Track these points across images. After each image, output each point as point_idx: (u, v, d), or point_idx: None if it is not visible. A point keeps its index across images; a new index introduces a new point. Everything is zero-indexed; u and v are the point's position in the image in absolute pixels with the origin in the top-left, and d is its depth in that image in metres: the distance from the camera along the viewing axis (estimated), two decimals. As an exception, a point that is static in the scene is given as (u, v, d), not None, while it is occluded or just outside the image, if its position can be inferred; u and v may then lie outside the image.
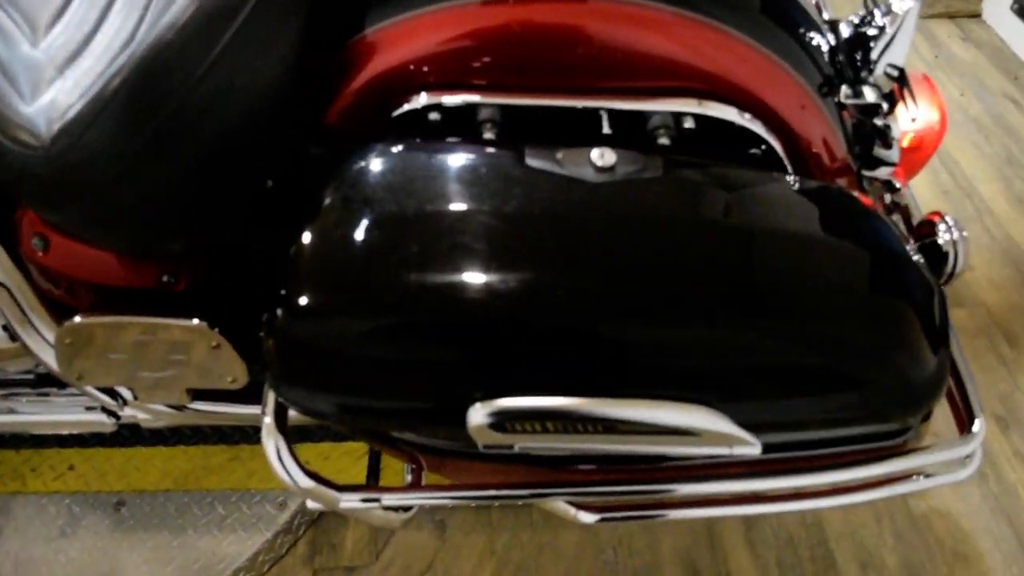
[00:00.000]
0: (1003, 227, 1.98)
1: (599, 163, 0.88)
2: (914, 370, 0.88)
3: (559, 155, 0.90)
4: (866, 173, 1.14)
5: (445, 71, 0.97)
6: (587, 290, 0.83)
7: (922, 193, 2.07)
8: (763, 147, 1.01)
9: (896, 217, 1.17)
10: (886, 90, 1.09)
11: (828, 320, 0.86)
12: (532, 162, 0.89)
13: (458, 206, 0.86)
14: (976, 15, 2.64)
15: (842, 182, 1.12)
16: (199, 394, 1.17)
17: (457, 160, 0.90)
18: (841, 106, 1.07)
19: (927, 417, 1.02)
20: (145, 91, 0.80)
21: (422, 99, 0.97)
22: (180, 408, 1.22)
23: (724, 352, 0.85)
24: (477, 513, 1.48)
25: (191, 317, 1.02)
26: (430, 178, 0.88)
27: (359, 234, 0.84)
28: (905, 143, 1.15)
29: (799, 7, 1.08)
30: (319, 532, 1.47)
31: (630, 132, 0.97)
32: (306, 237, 0.85)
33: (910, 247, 0.96)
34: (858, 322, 0.87)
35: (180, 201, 0.90)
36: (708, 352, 0.84)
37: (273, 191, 0.97)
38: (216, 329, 1.03)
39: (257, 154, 0.94)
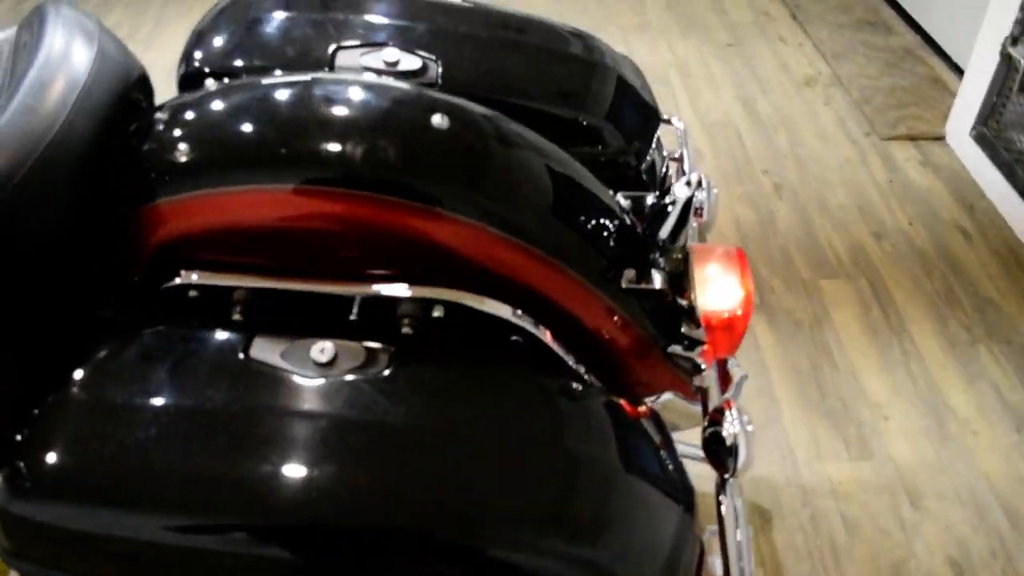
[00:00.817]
0: (930, 375, 1.89)
1: (319, 359, 0.87)
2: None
3: (284, 347, 0.89)
4: (678, 351, 1.11)
5: (217, 251, 0.99)
6: (278, 497, 0.81)
7: (850, 330, 2.00)
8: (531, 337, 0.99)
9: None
10: (680, 267, 1.07)
11: (546, 540, 0.82)
12: (256, 354, 0.89)
13: (168, 399, 0.86)
14: (939, 138, 2.57)
15: (645, 363, 1.09)
16: None
17: (182, 349, 0.90)
18: (636, 291, 1.05)
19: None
20: None
21: (192, 277, 0.98)
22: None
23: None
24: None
25: None
26: (151, 367, 0.88)
27: (62, 420, 0.86)
28: (714, 321, 1.11)
29: (590, 195, 1.06)
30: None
31: (379, 318, 0.96)
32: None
33: (667, 456, 0.93)
34: (586, 538, 0.84)
35: None
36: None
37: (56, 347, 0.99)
38: None
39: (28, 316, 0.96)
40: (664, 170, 1.41)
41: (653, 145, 1.32)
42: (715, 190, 1.26)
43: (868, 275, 2.15)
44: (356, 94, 0.99)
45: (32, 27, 1.05)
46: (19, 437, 0.88)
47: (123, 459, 0.83)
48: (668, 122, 1.47)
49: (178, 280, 0.98)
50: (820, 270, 2.17)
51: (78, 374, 0.90)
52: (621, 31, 3.23)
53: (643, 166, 1.28)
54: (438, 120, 0.95)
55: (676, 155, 1.43)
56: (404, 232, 0.95)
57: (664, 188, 1.28)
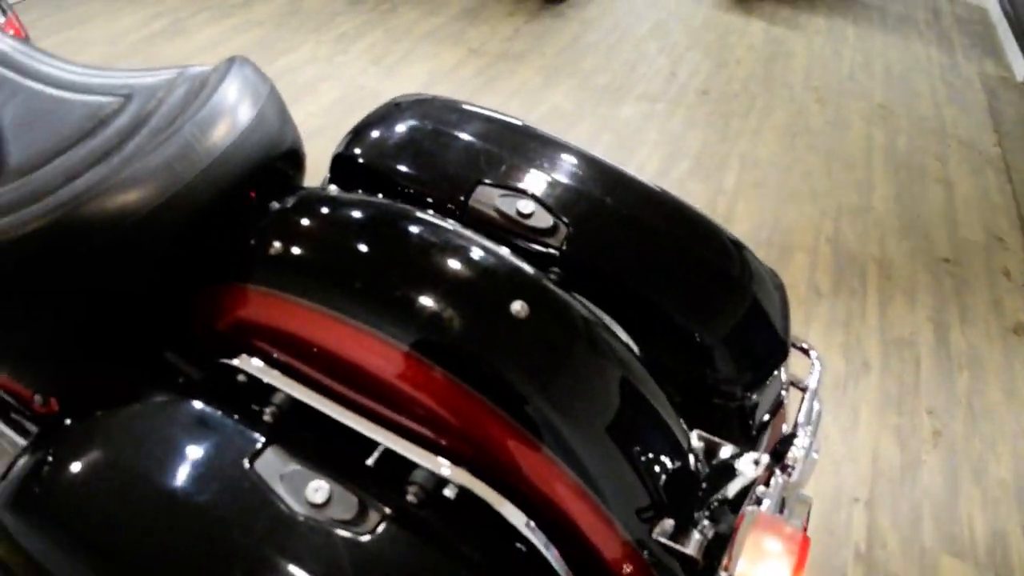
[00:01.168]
0: None
1: (312, 497, 0.86)
2: None
3: (288, 470, 0.88)
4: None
5: (280, 349, 1.01)
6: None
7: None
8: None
9: None
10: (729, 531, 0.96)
11: None
12: (260, 467, 0.88)
13: (164, 478, 0.87)
14: None
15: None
16: None
17: (202, 431, 0.92)
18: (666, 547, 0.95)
19: None
20: None
21: (251, 363, 1.00)
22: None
23: None
24: None
25: None
26: (167, 440, 0.91)
27: (76, 450, 0.90)
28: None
29: (660, 428, 0.98)
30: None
31: (392, 474, 0.92)
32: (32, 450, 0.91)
33: None
34: None
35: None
36: None
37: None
38: None
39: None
40: (783, 398, 1.30)
41: (772, 377, 1.21)
42: (816, 454, 1.14)
43: (1002, 572, 1.88)
44: (474, 260, 0.99)
45: (218, 74, 1.12)
46: (67, 421, 0.94)
47: (100, 513, 0.87)
48: (805, 352, 1.35)
49: (236, 361, 1.00)
50: (948, 544, 1.92)
51: (113, 413, 0.94)
52: (837, 208, 3.07)
53: (752, 398, 1.18)
54: (518, 308, 0.92)
55: (802, 385, 1.31)
56: (443, 406, 0.93)
57: (759, 431, 1.17)
